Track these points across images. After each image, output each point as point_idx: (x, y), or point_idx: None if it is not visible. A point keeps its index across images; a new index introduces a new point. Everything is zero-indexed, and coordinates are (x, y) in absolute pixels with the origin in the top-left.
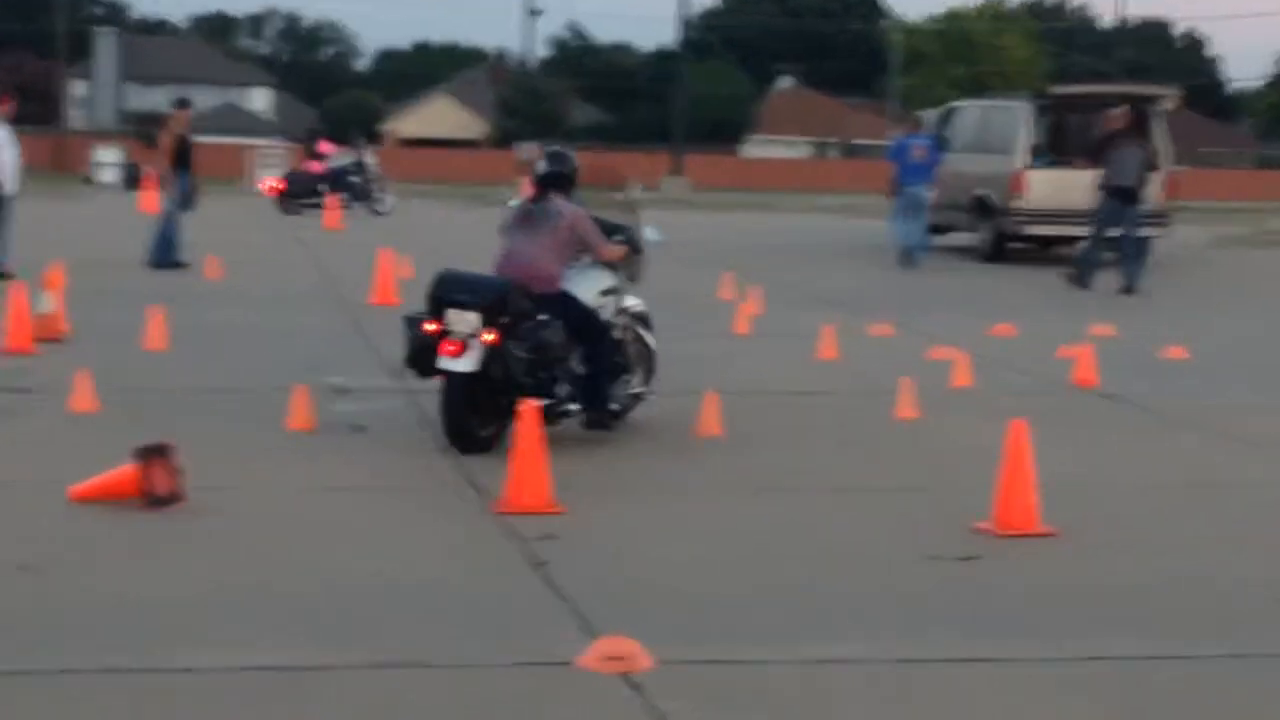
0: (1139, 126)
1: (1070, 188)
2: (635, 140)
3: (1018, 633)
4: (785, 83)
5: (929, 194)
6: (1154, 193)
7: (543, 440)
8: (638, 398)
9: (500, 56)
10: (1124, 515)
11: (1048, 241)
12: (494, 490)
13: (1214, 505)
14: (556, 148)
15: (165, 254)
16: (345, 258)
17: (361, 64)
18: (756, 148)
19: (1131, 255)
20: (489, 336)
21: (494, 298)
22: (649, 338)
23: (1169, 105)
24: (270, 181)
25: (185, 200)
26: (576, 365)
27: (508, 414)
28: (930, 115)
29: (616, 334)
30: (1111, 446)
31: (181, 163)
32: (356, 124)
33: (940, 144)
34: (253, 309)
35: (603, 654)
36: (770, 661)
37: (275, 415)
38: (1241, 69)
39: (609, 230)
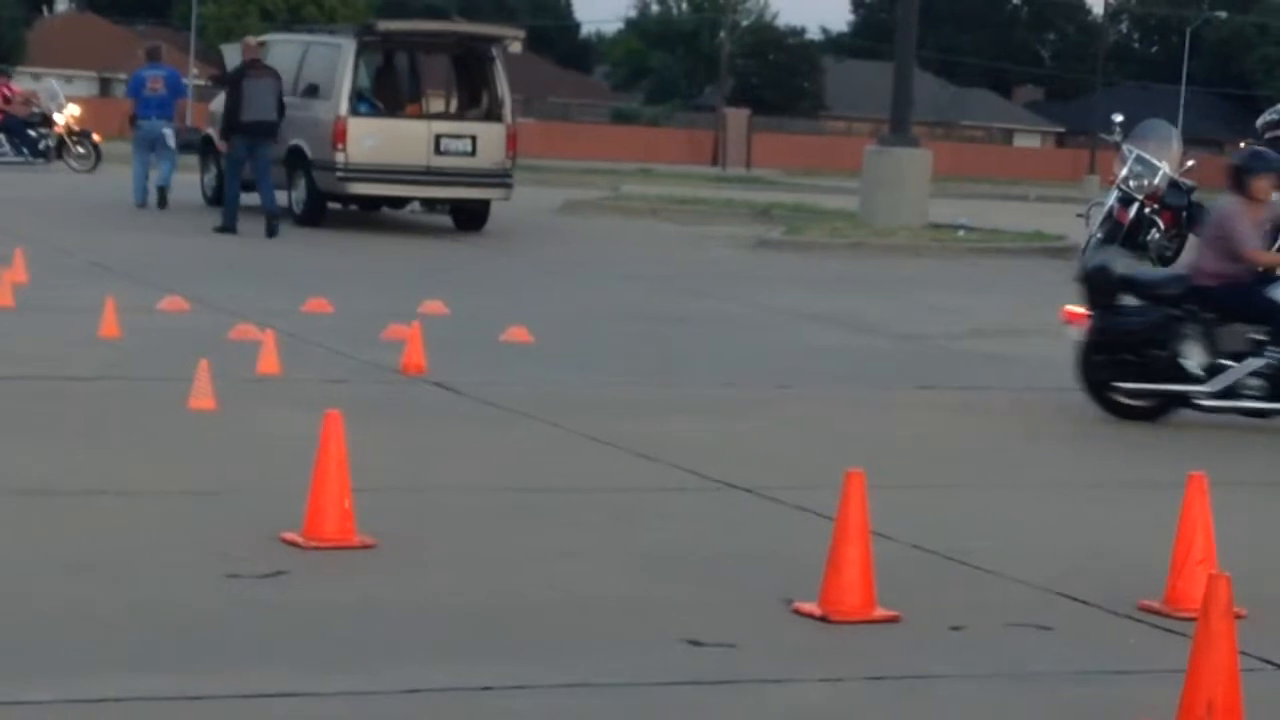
0: (479, 71)
1: (400, 140)
2: None
3: (329, 662)
4: (62, 6)
5: (170, 131)
6: (494, 150)
7: None
8: None
9: None
10: (452, 523)
11: (374, 202)
12: None
13: (552, 510)
14: (1257, 146)
15: None
16: None
17: None
18: (27, 82)
19: (271, 195)
20: (1083, 313)
21: (1089, 279)
22: None
23: (512, 47)
24: None
25: None
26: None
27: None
28: (232, 50)
29: None
30: (443, 444)
31: None
32: None
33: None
34: None
35: None
36: (37, 702)
37: None
38: (594, 10)
39: None
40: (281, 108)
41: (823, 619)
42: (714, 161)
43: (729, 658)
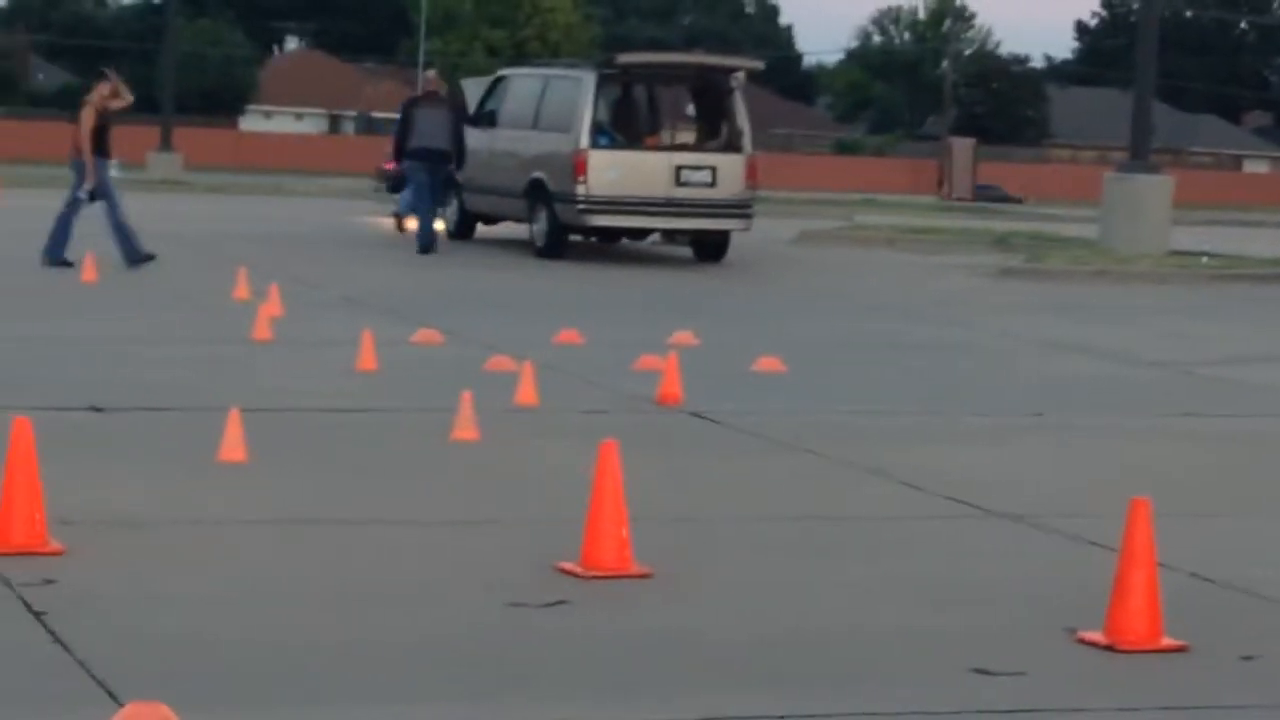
0: (718, 102)
1: (640, 171)
2: None
3: (626, 689)
4: (293, 45)
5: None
6: (734, 181)
7: (35, 467)
8: None
9: None
10: (726, 552)
11: (615, 234)
12: None
13: (825, 540)
14: None
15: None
16: None
17: None
18: (259, 120)
19: (429, 218)
20: None
21: None
22: None
23: (742, 78)
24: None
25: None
26: None
27: None
28: (473, 85)
29: None
30: (705, 473)
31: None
32: None
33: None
34: None
35: None
36: None
37: None
38: (816, 41)
39: None
40: (459, 138)
41: (1109, 648)
42: (939, 189)
43: (1020, 687)
